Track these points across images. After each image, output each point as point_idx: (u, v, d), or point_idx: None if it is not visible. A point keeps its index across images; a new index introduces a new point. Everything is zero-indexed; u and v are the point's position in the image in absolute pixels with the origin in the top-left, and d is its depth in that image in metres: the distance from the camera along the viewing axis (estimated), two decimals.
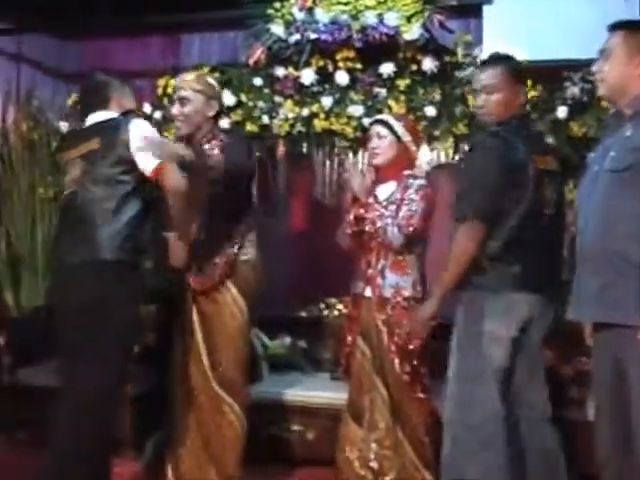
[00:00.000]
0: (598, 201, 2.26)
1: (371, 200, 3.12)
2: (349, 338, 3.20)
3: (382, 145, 3.10)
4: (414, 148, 3.18)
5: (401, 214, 3.02)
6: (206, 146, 3.03)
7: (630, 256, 2.16)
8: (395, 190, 3.10)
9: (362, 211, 3.10)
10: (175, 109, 3.07)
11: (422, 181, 3.12)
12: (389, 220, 3.02)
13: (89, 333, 2.66)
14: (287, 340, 4.05)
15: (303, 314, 4.21)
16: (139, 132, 2.72)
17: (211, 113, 3.06)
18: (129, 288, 2.76)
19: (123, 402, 2.87)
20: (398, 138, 3.10)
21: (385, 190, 3.14)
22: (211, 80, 3.16)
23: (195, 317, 3.14)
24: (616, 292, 2.20)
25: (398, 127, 3.10)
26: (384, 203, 3.10)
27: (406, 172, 3.13)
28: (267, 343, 3.99)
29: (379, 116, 3.29)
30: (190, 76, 3.10)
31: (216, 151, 2.96)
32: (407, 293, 3.05)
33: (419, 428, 3.07)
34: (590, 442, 2.47)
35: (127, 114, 2.84)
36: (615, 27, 2.35)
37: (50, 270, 3.05)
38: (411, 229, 3.01)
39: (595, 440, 2.40)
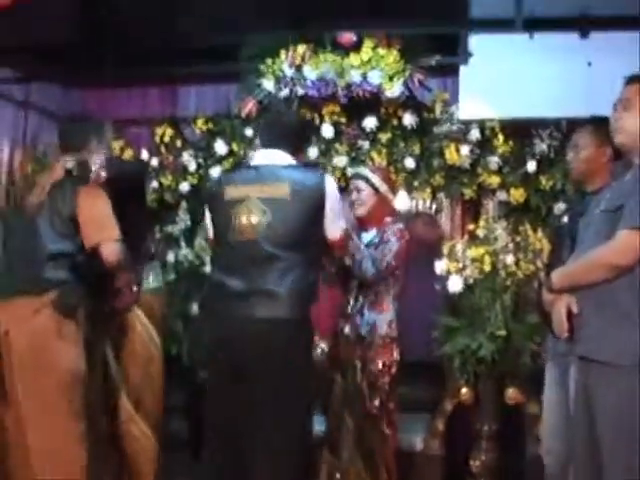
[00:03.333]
0: (590, 241, 2.27)
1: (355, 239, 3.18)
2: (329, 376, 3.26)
3: (362, 197, 3.22)
4: (392, 196, 3.32)
5: (378, 250, 3.14)
6: None
7: (608, 294, 2.15)
8: (376, 235, 3.22)
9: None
10: None
11: (400, 225, 3.26)
12: (365, 253, 3.11)
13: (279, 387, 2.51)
14: None
15: None
16: (335, 191, 2.69)
17: None
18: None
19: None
20: (376, 189, 3.23)
21: (367, 237, 3.24)
22: None
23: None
24: (591, 329, 2.21)
25: (375, 179, 3.23)
26: (365, 243, 3.19)
27: (388, 219, 3.25)
28: None
29: (356, 170, 3.41)
30: None
31: None
32: (383, 332, 3.13)
33: (378, 459, 3.15)
34: None
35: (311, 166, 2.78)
36: (635, 79, 2.29)
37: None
38: (385, 264, 3.10)
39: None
